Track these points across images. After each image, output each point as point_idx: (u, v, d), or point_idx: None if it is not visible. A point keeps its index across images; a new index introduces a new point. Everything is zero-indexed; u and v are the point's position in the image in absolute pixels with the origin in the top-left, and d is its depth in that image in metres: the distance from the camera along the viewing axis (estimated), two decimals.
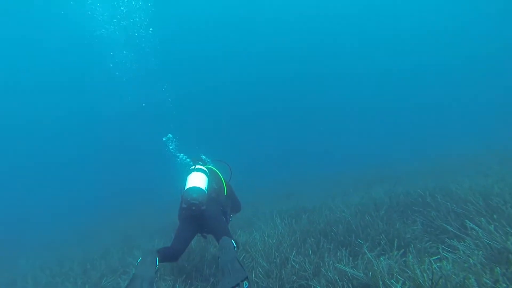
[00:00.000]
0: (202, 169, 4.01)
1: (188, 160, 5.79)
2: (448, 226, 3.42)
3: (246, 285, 2.68)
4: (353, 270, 2.98)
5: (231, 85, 37.11)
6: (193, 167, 4.03)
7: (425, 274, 2.14)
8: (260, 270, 3.70)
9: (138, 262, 2.98)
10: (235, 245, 3.26)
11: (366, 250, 3.19)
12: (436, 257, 2.57)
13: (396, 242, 3.32)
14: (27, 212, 22.67)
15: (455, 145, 16.66)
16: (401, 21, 32.70)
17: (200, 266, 4.16)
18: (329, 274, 3.31)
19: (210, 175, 4.16)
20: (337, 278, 3.13)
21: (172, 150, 6.52)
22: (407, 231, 4.01)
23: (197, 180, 3.73)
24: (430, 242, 3.49)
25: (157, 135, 7.00)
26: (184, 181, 3.82)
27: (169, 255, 3.34)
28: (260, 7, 30.66)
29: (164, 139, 6.83)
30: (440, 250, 2.65)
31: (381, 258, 2.89)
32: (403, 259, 2.96)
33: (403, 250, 3.07)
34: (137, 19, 16.06)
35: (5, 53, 25.62)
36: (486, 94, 33.98)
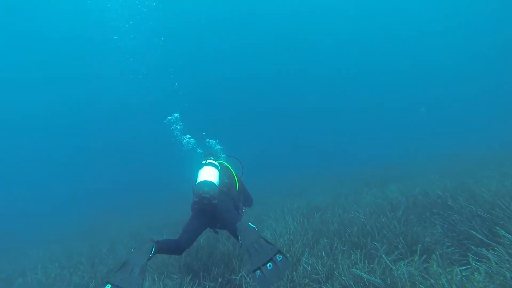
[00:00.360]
0: (213, 163, 3.98)
1: (194, 145, 5.93)
2: (474, 232, 3.19)
3: (279, 258, 2.61)
4: (370, 276, 2.81)
5: (244, 83, 37.05)
6: (204, 162, 4.01)
7: (454, 286, 1.95)
8: None
9: (133, 249, 2.95)
10: (253, 226, 3.20)
11: (383, 255, 3.00)
12: (465, 267, 2.37)
13: (415, 246, 3.14)
14: (38, 205, 23.15)
15: (469, 143, 16.13)
16: (410, 20, 31.99)
17: (208, 264, 4.06)
18: (344, 278, 3.15)
19: (222, 170, 4.14)
20: (352, 283, 2.97)
21: (177, 132, 6.52)
22: (426, 234, 3.80)
23: (208, 174, 3.71)
24: (453, 248, 3.28)
25: (166, 130, 6.95)
26: (195, 175, 3.81)
27: (173, 248, 3.31)
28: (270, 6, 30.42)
29: (168, 117, 6.83)
30: (470, 260, 2.42)
31: (401, 264, 2.70)
32: (424, 265, 2.78)
33: (425, 256, 2.86)
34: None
35: (18, 48, 26.16)
36: (498, 92, 33.01)
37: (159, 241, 3.16)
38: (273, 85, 38.35)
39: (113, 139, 36.18)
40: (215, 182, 3.67)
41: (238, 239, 3.24)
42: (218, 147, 6.08)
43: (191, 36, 30.40)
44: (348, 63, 36.97)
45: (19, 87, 29.70)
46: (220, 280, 3.64)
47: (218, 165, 4.08)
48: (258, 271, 2.62)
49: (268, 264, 2.62)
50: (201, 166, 3.93)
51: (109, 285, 2.58)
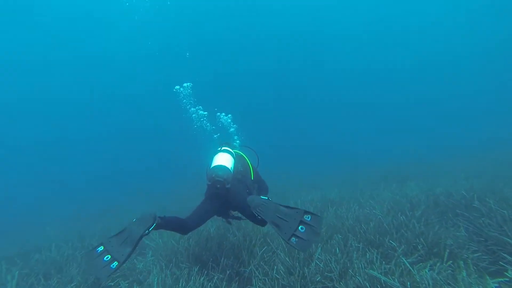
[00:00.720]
0: (228, 150, 3.95)
1: (205, 118, 5.90)
2: (507, 239, 2.93)
3: (308, 218, 2.58)
4: (388, 278, 2.63)
5: (267, 75, 36.70)
6: (219, 149, 3.98)
7: None
8: (281, 267, 3.43)
9: (134, 220, 2.90)
10: (266, 198, 3.09)
11: (403, 258, 2.81)
12: (502, 280, 2.15)
13: (436, 248, 2.92)
14: (57, 185, 23.75)
15: (491, 143, 15.37)
16: (421, 14, 30.63)
17: (218, 255, 3.98)
18: (358, 278, 3.00)
19: (237, 158, 4.10)
20: (367, 284, 2.82)
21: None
22: (449, 236, 3.57)
23: (223, 159, 3.68)
24: (480, 254, 3.04)
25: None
26: (210, 160, 3.79)
27: (179, 226, 3.26)
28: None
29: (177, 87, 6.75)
30: (509, 273, 2.19)
31: (426, 270, 2.51)
32: (448, 271, 2.58)
33: (450, 262, 2.65)
34: None
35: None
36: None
37: (164, 217, 3.12)
38: (295, 79, 37.89)
39: (131, 125, 36.73)
40: (230, 168, 3.63)
41: (256, 220, 3.19)
42: (236, 138, 6.09)
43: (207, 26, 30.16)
44: (365, 59, 36.17)
45: (44, 71, 30.57)
46: (228, 272, 3.55)
47: (233, 153, 4.06)
48: (293, 237, 2.56)
49: (300, 227, 2.57)
50: (216, 152, 3.90)
51: (102, 247, 2.64)
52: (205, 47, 30.78)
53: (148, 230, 2.86)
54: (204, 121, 6.70)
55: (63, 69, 30.90)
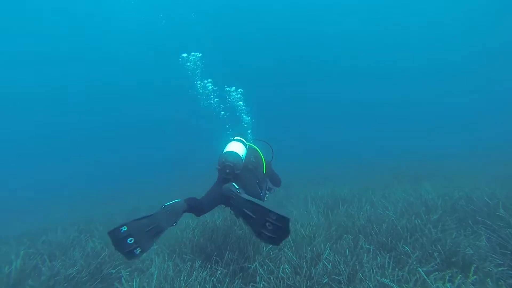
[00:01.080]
0: (242, 140, 4.02)
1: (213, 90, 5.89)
2: None
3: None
4: None
5: (281, 71, 36.30)
6: (233, 138, 4.07)
7: None
8: (287, 266, 3.29)
9: (164, 206, 2.92)
10: (238, 190, 3.01)
11: (419, 269, 2.61)
12: None
13: (455, 258, 2.71)
14: (67, 170, 24.02)
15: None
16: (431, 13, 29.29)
17: (222, 248, 3.87)
18: (369, 283, 2.83)
19: (250, 150, 4.17)
20: None
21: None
22: (468, 245, 3.34)
23: (235, 147, 3.74)
24: (505, 268, 2.81)
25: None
26: (222, 148, 3.83)
27: (194, 207, 3.24)
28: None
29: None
30: None
31: (448, 286, 2.31)
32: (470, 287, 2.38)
33: (475, 277, 2.43)
34: None
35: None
36: None
37: (189, 200, 3.17)
38: (307, 75, 37.39)
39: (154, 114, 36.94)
40: (241, 155, 3.68)
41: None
42: (249, 131, 6.05)
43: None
44: (376, 57, 35.38)
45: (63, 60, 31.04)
46: (232, 267, 3.43)
47: (246, 144, 4.10)
48: (262, 233, 2.57)
49: (267, 224, 2.53)
50: (229, 140, 3.96)
51: (125, 228, 2.56)
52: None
53: (176, 222, 2.92)
54: (213, 99, 6.51)
55: (65, 60, 31.28)
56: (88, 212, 7.56)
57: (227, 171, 3.48)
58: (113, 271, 3.58)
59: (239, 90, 6.49)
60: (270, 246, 3.90)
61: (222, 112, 6.59)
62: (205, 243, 4.22)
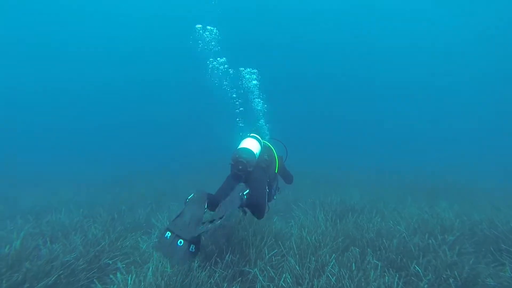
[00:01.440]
0: (257, 137, 4.02)
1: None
2: None
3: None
4: None
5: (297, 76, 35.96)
6: (249, 134, 4.09)
7: None
8: (289, 275, 3.13)
9: (188, 199, 2.95)
10: (245, 193, 3.12)
11: None
12: None
13: None
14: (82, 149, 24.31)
15: None
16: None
17: (224, 248, 3.73)
18: None
19: (264, 148, 4.16)
20: None
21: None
22: (490, 274, 3.09)
23: (249, 143, 3.75)
24: None
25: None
26: (237, 143, 3.87)
27: (211, 203, 3.20)
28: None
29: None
30: None
31: None
32: None
33: None
34: None
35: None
36: None
37: (210, 195, 3.17)
38: (325, 80, 36.94)
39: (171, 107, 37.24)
40: (255, 153, 3.67)
41: (253, 209, 3.27)
42: (265, 126, 6.00)
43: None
44: (397, 68, 34.42)
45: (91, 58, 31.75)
46: (232, 270, 3.29)
47: (261, 141, 4.11)
48: (170, 233, 2.61)
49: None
50: (244, 137, 3.98)
51: (169, 233, 2.62)
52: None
53: (206, 206, 2.93)
54: (225, 79, 6.33)
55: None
56: (95, 192, 7.56)
57: (240, 167, 3.48)
58: (110, 262, 3.50)
59: (254, 70, 6.26)
60: (274, 251, 3.75)
61: (234, 95, 6.42)
62: (206, 242, 4.10)
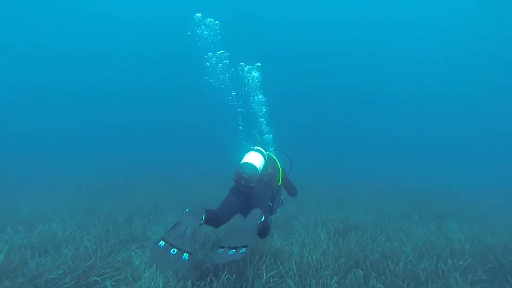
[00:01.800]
0: (261, 151, 4.01)
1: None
2: None
3: (242, 250, 2.63)
4: None
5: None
6: (252, 147, 4.07)
7: None
8: None
9: (185, 212, 3.02)
10: (262, 220, 3.15)
11: None
12: None
13: None
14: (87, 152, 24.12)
15: None
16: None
17: (220, 266, 3.52)
18: None
19: (268, 160, 4.16)
20: None
21: None
22: None
23: (253, 158, 3.74)
24: None
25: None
26: (240, 157, 3.85)
27: (212, 218, 3.30)
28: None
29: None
30: None
31: None
32: None
33: None
34: None
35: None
36: None
37: (207, 210, 3.20)
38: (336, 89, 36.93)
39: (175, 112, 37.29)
40: (258, 168, 3.66)
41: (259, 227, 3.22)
42: (270, 136, 5.92)
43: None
44: (407, 82, 34.38)
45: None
46: None
47: (265, 154, 4.09)
48: (222, 249, 2.69)
49: (232, 251, 2.65)
50: (248, 150, 3.97)
51: (163, 242, 2.67)
52: None
53: (202, 220, 3.02)
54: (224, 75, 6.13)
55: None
56: (92, 202, 7.37)
57: (242, 182, 3.49)
58: (99, 279, 3.30)
59: (257, 64, 6.04)
60: (273, 271, 3.55)
61: (234, 93, 6.25)
62: (202, 259, 3.91)
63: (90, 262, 3.59)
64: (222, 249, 2.69)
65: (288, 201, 6.66)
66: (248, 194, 3.61)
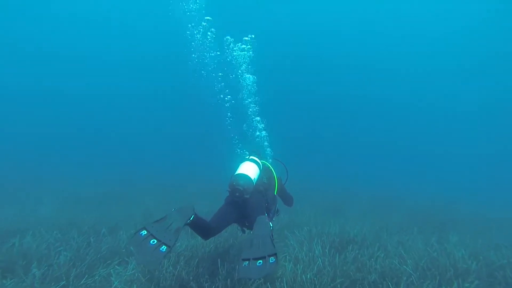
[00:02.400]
0: (256, 160, 3.96)
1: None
2: None
3: (272, 260, 2.54)
4: None
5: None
6: (247, 157, 4.05)
7: None
8: None
9: (173, 210, 3.01)
10: (271, 226, 3.17)
11: None
12: None
13: None
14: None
15: None
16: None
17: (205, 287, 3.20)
18: None
19: (263, 170, 4.12)
20: None
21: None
22: None
23: (248, 168, 3.69)
24: None
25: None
26: (235, 167, 3.80)
27: (202, 229, 3.28)
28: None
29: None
30: None
31: None
32: None
33: None
34: None
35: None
36: None
37: (198, 215, 3.14)
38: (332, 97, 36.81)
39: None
40: (253, 179, 3.63)
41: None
42: (266, 144, 5.86)
43: None
44: (408, 91, 34.37)
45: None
46: None
47: (260, 164, 4.04)
48: (247, 262, 2.58)
49: (259, 261, 2.56)
50: (243, 160, 3.93)
51: (145, 231, 2.69)
52: None
53: (189, 220, 2.97)
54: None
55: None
56: (75, 209, 6.98)
57: (237, 194, 3.45)
58: None
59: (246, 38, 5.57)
60: None
61: (220, 74, 5.82)
62: (187, 279, 3.58)
63: (61, 284, 3.25)
64: (247, 262, 2.58)
65: (282, 211, 6.40)
66: (243, 204, 3.56)
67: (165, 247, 2.59)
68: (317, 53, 32.33)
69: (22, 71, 32.70)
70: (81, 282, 3.42)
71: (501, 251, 4.56)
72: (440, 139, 35.76)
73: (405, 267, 4.18)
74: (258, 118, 5.78)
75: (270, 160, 5.20)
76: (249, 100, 5.74)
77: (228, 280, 3.48)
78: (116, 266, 4.12)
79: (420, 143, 35.97)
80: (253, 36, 5.51)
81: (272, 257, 2.56)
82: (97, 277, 3.69)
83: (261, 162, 4.21)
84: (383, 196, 11.80)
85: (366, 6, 27.68)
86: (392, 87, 34.64)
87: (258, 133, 5.75)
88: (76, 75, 34.35)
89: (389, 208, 9.61)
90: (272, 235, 2.89)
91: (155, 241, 2.62)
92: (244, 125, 5.72)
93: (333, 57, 32.78)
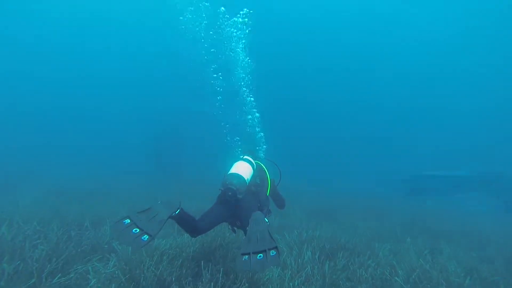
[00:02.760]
0: (250, 160, 3.94)
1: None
2: None
3: (273, 253, 2.56)
4: None
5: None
6: (241, 157, 4.03)
7: None
8: None
9: (159, 202, 3.04)
10: (267, 220, 3.20)
11: None
12: None
13: None
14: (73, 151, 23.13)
15: None
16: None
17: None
18: None
19: (257, 170, 4.09)
20: None
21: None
22: None
23: (241, 168, 3.68)
24: None
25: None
26: (229, 166, 3.79)
27: (190, 226, 3.24)
28: None
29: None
30: None
31: None
32: None
33: None
34: None
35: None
36: None
37: (184, 210, 3.15)
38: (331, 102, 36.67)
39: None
40: (246, 179, 3.62)
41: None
42: (262, 145, 5.84)
43: None
44: (404, 94, 34.34)
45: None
46: None
47: (254, 164, 4.02)
48: (247, 256, 2.57)
49: (259, 255, 2.57)
50: (236, 159, 3.91)
51: (128, 220, 2.71)
52: None
53: (174, 213, 2.99)
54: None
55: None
56: (58, 201, 6.71)
57: (230, 193, 3.43)
58: None
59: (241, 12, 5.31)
60: None
61: (213, 50, 5.63)
62: (169, 280, 3.39)
63: (31, 282, 3.03)
64: (247, 256, 2.56)
65: (273, 213, 6.25)
66: (235, 204, 3.54)
67: (147, 236, 2.60)
68: (316, 54, 32.26)
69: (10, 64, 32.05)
70: (54, 281, 3.19)
71: (492, 263, 4.44)
72: (438, 143, 35.97)
73: (396, 278, 4.04)
74: (252, 99, 5.63)
75: (262, 155, 5.26)
76: (242, 76, 5.49)
77: (212, 283, 3.30)
78: (95, 263, 3.90)
79: (419, 148, 36.11)
80: (250, 11, 5.22)
81: (273, 250, 2.57)
82: (72, 275, 3.47)
83: (255, 162, 4.17)
84: (377, 203, 11.71)
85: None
86: (390, 93, 34.72)
87: (250, 116, 5.59)
88: (61, 65, 33.90)
89: (382, 214, 9.50)
90: (269, 230, 2.88)
91: (138, 230, 2.64)
92: (237, 113, 5.53)
93: (333, 57, 32.78)
